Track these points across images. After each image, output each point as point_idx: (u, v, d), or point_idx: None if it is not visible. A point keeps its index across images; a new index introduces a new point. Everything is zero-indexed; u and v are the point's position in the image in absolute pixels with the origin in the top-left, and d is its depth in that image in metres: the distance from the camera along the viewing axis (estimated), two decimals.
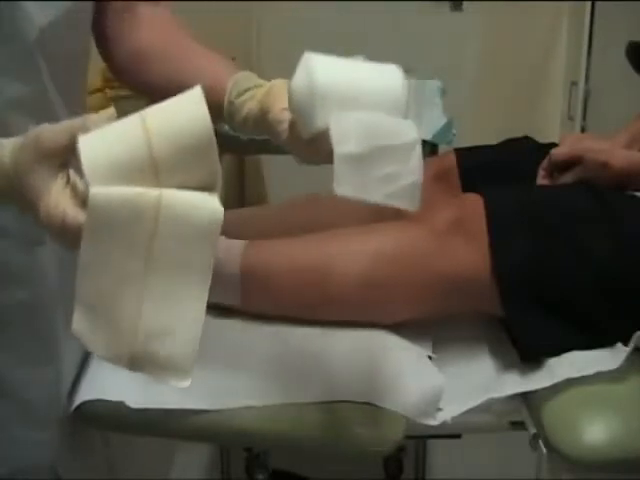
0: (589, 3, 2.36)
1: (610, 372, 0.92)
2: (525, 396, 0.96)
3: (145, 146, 0.67)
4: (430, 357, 1.02)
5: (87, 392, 0.95)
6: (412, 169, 0.80)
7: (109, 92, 2.07)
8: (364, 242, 1.03)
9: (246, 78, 0.93)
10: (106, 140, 0.68)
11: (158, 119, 0.69)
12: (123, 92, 2.01)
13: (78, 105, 0.93)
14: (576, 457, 0.88)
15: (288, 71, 0.87)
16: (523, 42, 2.59)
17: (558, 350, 0.96)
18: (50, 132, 0.70)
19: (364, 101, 0.81)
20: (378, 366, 0.97)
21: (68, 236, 0.69)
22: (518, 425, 0.99)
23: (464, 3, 2.53)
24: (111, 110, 0.71)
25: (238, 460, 1.80)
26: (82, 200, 0.68)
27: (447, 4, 2.55)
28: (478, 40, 2.56)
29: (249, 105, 0.91)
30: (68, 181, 0.70)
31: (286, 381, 0.94)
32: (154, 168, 0.67)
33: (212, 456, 1.88)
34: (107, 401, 0.93)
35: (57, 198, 0.69)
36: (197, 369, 0.96)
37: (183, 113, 0.69)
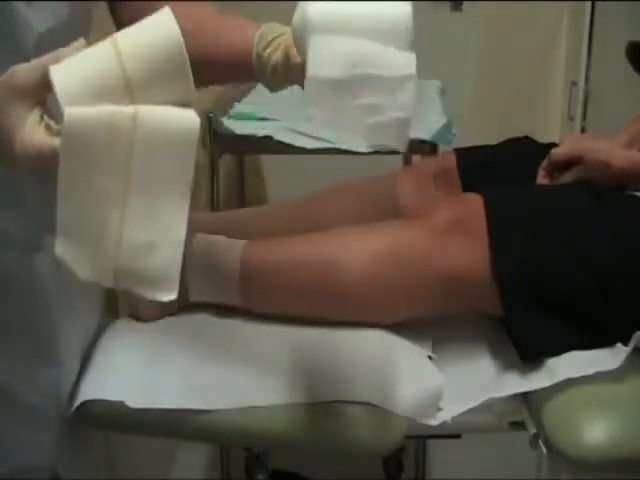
0: (589, 3, 2.37)
1: (610, 372, 0.92)
2: (525, 396, 0.96)
3: (118, 66, 0.67)
4: (430, 357, 1.02)
5: (87, 392, 0.95)
6: (401, 104, 0.76)
7: None
8: (364, 242, 1.03)
9: (270, 29, 0.91)
10: (78, 65, 0.68)
11: (129, 40, 0.69)
12: None
13: None
14: (576, 457, 0.88)
15: None
16: (523, 42, 2.59)
17: (558, 350, 0.96)
18: (23, 70, 0.70)
19: (362, 31, 0.77)
20: (378, 366, 0.97)
21: (45, 164, 0.69)
22: (518, 425, 0.99)
23: (464, 3, 2.53)
24: (81, 41, 0.71)
25: (238, 460, 1.80)
26: (57, 132, 0.68)
27: (447, 4, 2.56)
28: (478, 40, 2.57)
29: (275, 55, 0.89)
30: (43, 118, 0.70)
31: (286, 381, 0.94)
32: (128, 88, 0.67)
33: (212, 456, 1.87)
34: (107, 401, 0.93)
35: (32, 133, 0.69)
36: (197, 369, 0.96)
37: (154, 32, 0.69)
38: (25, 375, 0.91)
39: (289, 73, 0.88)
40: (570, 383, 0.92)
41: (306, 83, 0.76)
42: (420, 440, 1.70)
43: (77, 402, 0.94)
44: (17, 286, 0.88)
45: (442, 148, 1.54)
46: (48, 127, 0.70)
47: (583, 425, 0.89)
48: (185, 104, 0.69)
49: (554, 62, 2.63)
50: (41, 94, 0.71)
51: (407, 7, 0.79)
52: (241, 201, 2.12)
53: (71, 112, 0.65)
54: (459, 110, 1.84)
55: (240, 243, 1.05)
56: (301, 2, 0.81)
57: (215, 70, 0.97)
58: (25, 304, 0.89)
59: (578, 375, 0.92)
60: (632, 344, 0.93)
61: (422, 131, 1.51)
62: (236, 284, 1.03)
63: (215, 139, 1.62)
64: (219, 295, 1.05)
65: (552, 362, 0.96)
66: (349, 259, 1.01)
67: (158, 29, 0.69)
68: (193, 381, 0.95)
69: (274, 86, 0.93)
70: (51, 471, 0.95)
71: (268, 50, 0.90)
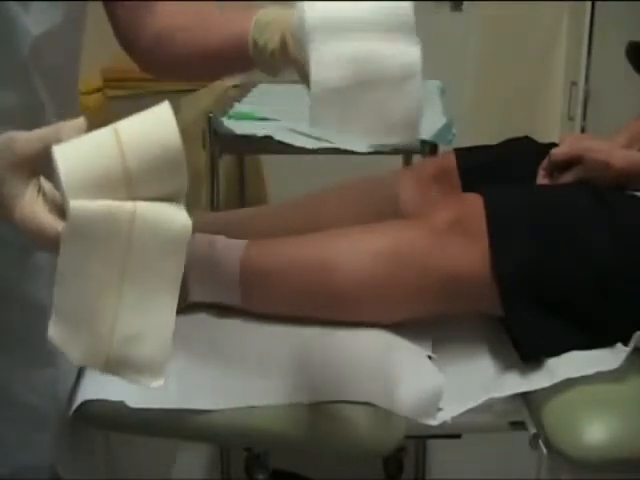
0: (589, 3, 2.37)
1: (610, 372, 0.92)
2: (525, 396, 0.96)
3: (119, 158, 0.70)
4: (430, 357, 1.02)
5: (87, 392, 0.95)
6: (408, 101, 0.77)
7: (109, 92, 2.08)
8: (364, 242, 1.03)
9: (265, 14, 0.90)
10: (81, 152, 0.70)
11: (130, 132, 0.71)
12: (122, 92, 2.02)
13: (72, 114, 0.94)
14: (576, 457, 0.88)
15: None
16: (523, 42, 2.59)
17: (558, 350, 0.96)
18: (23, 140, 0.71)
19: (363, 27, 0.78)
20: (378, 366, 0.97)
21: (45, 242, 0.71)
22: (518, 425, 0.99)
23: (464, 3, 2.53)
24: (81, 120, 0.73)
25: (238, 460, 1.80)
26: (56, 208, 0.71)
27: (447, 4, 2.56)
28: (478, 40, 2.57)
29: (272, 42, 0.88)
30: (39, 189, 0.72)
31: (286, 381, 0.94)
32: (127, 179, 0.70)
33: (212, 456, 1.88)
34: (107, 401, 0.93)
35: (32, 207, 0.71)
36: (197, 369, 0.96)
37: (154, 127, 0.72)
38: (25, 375, 0.91)
39: (287, 60, 0.87)
40: (570, 383, 0.92)
41: (311, 96, 0.76)
42: (420, 440, 1.70)
43: (77, 402, 0.94)
44: (15, 287, 0.89)
45: (442, 148, 1.54)
46: (46, 196, 0.72)
47: (583, 425, 0.89)
48: (178, 196, 0.73)
49: (554, 62, 2.63)
50: (39, 166, 0.72)
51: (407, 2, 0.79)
52: (241, 201, 2.12)
53: (76, 206, 0.68)
54: (459, 110, 1.84)
55: (240, 243, 1.05)
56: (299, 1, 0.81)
57: (215, 63, 0.97)
58: (23, 304, 0.89)
59: (578, 375, 0.92)
60: (632, 344, 0.93)
61: (422, 131, 1.51)
62: (236, 284, 1.03)
63: (215, 139, 1.62)
64: (219, 295, 1.05)
65: (552, 362, 0.96)
66: (349, 259, 1.01)
67: (158, 125, 0.72)
68: (193, 381, 0.95)
69: (273, 71, 0.92)
70: (51, 471, 0.95)
71: (265, 36, 0.89)
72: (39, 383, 0.92)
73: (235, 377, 0.95)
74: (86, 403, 0.94)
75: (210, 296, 1.05)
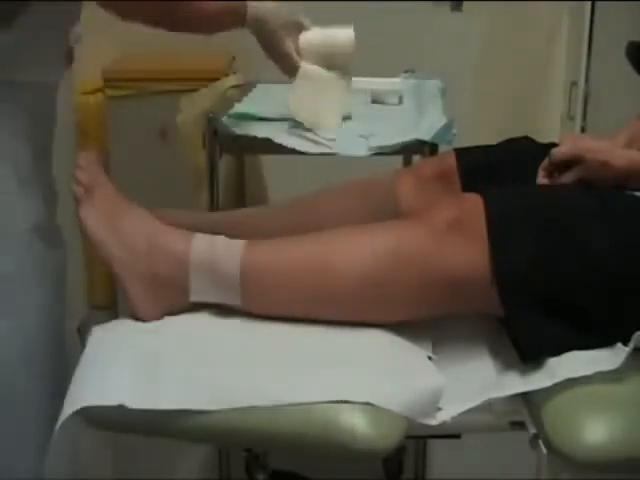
0: (589, 3, 2.37)
1: (610, 372, 0.92)
2: (525, 396, 0.96)
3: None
4: (430, 357, 1.02)
5: (87, 393, 0.95)
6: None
7: (109, 92, 2.08)
8: (363, 242, 1.03)
9: None
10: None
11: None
12: (122, 92, 2.02)
13: None
14: (576, 457, 0.88)
15: None
16: (523, 42, 2.59)
17: (558, 350, 0.96)
18: None
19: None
20: (378, 366, 0.97)
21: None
22: (518, 425, 0.99)
23: (464, 3, 2.53)
24: None
25: (238, 460, 1.80)
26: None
27: (447, 4, 2.56)
28: (478, 40, 2.57)
29: (279, 15, 1.03)
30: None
31: (286, 381, 0.94)
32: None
33: (212, 456, 1.88)
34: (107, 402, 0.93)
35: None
36: (197, 369, 0.96)
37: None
38: (26, 373, 0.91)
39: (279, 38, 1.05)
40: (570, 383, 0.92)
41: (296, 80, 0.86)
42: (420, 440, 1.70)
43: (77, 404, 0.94)
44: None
45: (442, 148, 1.54)
46: None
47: (583, 425, 0.89)
48: None
49: (554, 62, 2.63)
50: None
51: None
52: (241, 201, 2.12)
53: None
54: (459, 110, 1.84)
55: (240, 243, 1.05)
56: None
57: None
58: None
59: (578, 375, 0.92)
60: (632, 344, 0.93)
61: (422, 131, 1.51)
62: (236, 284, 1.03)
63: (215, 139, 1.62)
64: (219, 295, 1.05)
65: (552, 362, 0.96)
66: (349, 259, 1.01)
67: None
68: (193, 381, 0.95)
69: (265, 39, 0.99)
70: (51, 471, 0.95)
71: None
72: (41, 382, 0.92)
73: (235, 377, 0.95)
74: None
75: (210, 296, 1.05)
